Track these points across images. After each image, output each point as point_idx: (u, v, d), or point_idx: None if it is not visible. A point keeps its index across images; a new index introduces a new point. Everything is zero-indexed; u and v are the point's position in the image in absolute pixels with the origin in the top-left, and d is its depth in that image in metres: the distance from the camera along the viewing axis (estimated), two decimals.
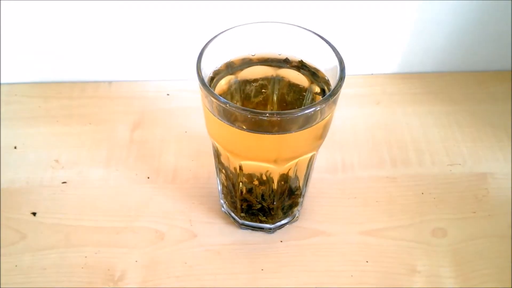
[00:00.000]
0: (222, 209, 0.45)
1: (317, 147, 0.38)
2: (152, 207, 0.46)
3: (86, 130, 0.53)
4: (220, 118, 0.34)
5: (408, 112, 0.55)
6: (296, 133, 0.34)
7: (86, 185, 0.48)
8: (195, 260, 0.42)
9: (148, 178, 0.48)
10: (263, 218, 0.42)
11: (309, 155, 0.38)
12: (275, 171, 0.38)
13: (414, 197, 0.47)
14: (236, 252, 0.43)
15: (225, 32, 0.37)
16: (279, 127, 0.33)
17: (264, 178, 0.38)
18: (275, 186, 0.39)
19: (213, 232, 0.44)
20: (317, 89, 0.39)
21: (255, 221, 0.43)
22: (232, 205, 0.43)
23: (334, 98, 0.34)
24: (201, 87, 0.34)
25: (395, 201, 0.47)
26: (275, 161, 0.36)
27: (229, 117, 0.34)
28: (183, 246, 0.43)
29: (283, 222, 0.44)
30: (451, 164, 0.50)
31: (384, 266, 0.42)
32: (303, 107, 0.32)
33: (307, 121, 0.34)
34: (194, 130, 0.53)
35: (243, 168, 0.38)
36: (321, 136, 0.37)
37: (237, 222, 0.44)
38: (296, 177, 0.40)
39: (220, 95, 0.38)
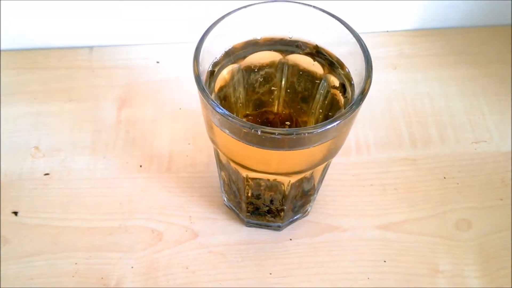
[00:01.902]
0: (224, 202, 0.41)
1: (336, 153, 0.33)
2: (147, 201, 0.41)
3: (66, 108, 0.47)
4: (222, 129, 0.29)
5: (429, 77, 0.49)
6: (313, 148, 0.29)
7: (70, 176, 0.43)
8: (198, 264, 0.38)
9: (141, 166, 0.43)
10: (271, 219, 0.38)
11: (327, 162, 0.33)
12: (286, 179, 0.33)
13: (435, 183, 0.43)
14: (241, 254, 0.39)
15: (225, 18, 0.31)
16: (293, 144, 0.28)
17: (274, 185, 0.34)
18: (286, 191, 0.34)
19: (215, 230, 0.40)
20: (336, 83, 0.33)
21: (262, 221, 0.39)
22: (237, 205, 0.38)
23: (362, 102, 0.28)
24: (200, 93, 0.28)
25: (415, 188, 0.42)
26: (286, 174, 0.31)
27: (233, 129, 0.28)
28: (184, 248, 0.39)
29: (292, 218, 0.39)
30: (476, 141, 0.45)
31: (404, 266, 0.38)
32: (324, 122, 0.27)
33: (327, 135, 0.28)
34: (189, 106, 0.47)
35: (250, 176, 0.33)
36: (342, 144, 0.32)
37: (242, 218, 0.40)
38: (312, 178, 0.35)
39: (222, 87, 0.33)
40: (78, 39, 0.51)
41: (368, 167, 0.44)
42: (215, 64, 0.32)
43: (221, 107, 0.27)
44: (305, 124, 0.36)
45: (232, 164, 0.32)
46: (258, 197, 0.35)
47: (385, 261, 0.39)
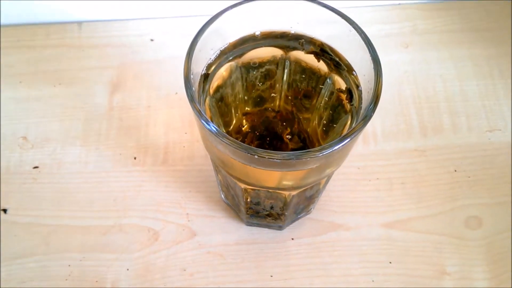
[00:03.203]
0: (223, 199, 0.39)
1: (341, 164, 0.31)
2: (142, 197, 0.39)
3: (55, 93, 0.44)
4: (217, 146, 0.26)
5: (443, 57, 0.46)
6: (316, 167, 0.26)
7: (61, 170, 0.40)
8: (195, 266, 0.37)
9: (135, 159, 0.41)
10: (272, 221, 0.36)
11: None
12: (287, 192, 0.30)
13: (445, 176, 0.40)
14: (241, 255, 0.37)
15: (218, 17, 0.27)
16: (294, 165, 0.25)
17: (274, 195, 0.31)
18: (287, 199, 0.32)
19: (214, 229, 0.38)
20: (342, 85, 0.30)
21: (263, 222, 0.37)
22: (236, 206, 0.37)
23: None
24: (192, 108, 0.25)
25: (424, 182, 0.40)
26: (287, 189, 0.29)
27: (228, 148, 0.26)
28: (181, 248, 0.38)
29: (294, 219, 0.38)
30: (490, 130, 0.42)
31: (410, 267, 0.37)
32: (329, 144, 0.24)
33: (332, 154, 0.26)
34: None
35: (248, 188, 0.31)
36: (347, 155, 0.29)
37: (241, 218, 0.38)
38: (315, 186, 0.33)
39: (218, 87, 0.30)
40: (66, 14, 0.47)
41: (374, 159, 0.41)
42: (209, 66, 0.29)
43: (218, 128, 0.24)
44: (307, 122, 0.34)
45: (229, 175, 0.30)
46: (257, 204, 0.33)
47: (390, 262, 0.37)
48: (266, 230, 0.38)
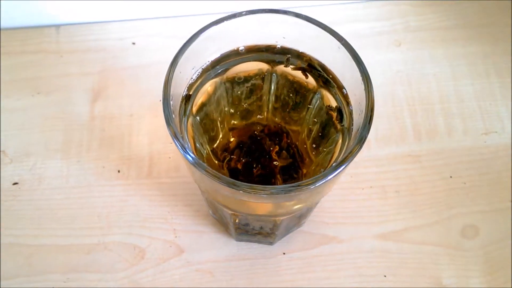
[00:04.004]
0: (210, 213, 0.37)
1: (332, 189, 0.29)
2: (127, 213, 0.38)
3: (34, 102, 0.42)
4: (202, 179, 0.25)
5: (436, 56, 0.44)
6: (309, 195, 0.25)
7: (42, 185, 0.39)
8: (184, 284, 0.36)
9: (119, 172, 0.39)
10: (263, 239, 0.35)
11: None
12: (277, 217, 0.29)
13: (440, 183, 0.39)
14: (231, 272, 0.36)
15: (199, 35, 0.25)
16: (282, 199, 0.24)
17: (263, 219, 0.30)
18: (277, 222, 0.31)
19: (202, 245, 0.37)
20: (331, 102, 0.28)
21: (253, 238, 0.36)
22: (224, 225, 0.35)
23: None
24: (172, 137, 0.24)
25: (419, 190, 0.39)
26: (278, 216, 0.28)
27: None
28: (168, 266, 0.36)
29: (285, 235, 0.36)
30: (486, 132, 0.41)
31: (405, 281, 0.36)
32: (325, 173, 0.23)
33: (323, 185, 0.24)
34: None
35: (236, 213, 0.29)
36: (339, 179, 0.28)
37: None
38: (308, 208, 0.32)
39: (202, 105, 0.29)
40: (42, 17, 0.45)
41: (367, 165, 0.40)
42: (190, 86, 0.28)
43: (201, 163, 0.23)
44: (296, 134, 0.32)
45: (216, 201, 0.29)
46: (246, 225, 0.32)
47: (385, 276, 0.36)
48: (256, 245, 0.37)
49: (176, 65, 0.24)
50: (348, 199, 0.39)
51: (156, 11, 0.45)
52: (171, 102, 0.24)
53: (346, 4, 0.46)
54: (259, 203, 0.25)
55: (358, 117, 0.25)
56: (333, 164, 0.23)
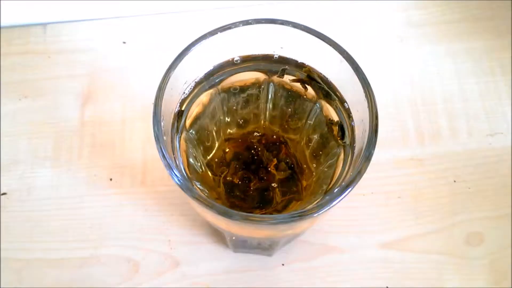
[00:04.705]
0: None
1: None
2: (120, 223, 0.37)
3: (22, 107, 0.40)
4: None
5: (439, 52, 0.43)
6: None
7: (32, 196, 0.37)
8: None
9: (111, 180, 0.38)
10: (261, 252, 0.34)
11: None
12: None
13: (445, 188, 0.38)
14: (229, 285, 0.35)
15: (191, 49, 0.24)
16: (279, 228, 0.23)
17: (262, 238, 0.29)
18: (275, 240, 0.29)
19: (199, 257, 0.36)
20: (332, 115, 0.27)
21: (251, 251, 0.34)
22: (221, 240, 0.34)
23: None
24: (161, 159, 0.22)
25: (422, 196, 0.38)
26: (275, 237, 0.26)
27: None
28: (164, 280, 0.35)
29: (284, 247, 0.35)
30: (491, 133, 0.40)
31: None
32: (330, 198, 0.21)
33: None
34: None
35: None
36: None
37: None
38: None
39: (196, 119, 0.27)
40: (29, 15, 0.43)
41: (368, 170, 0.38)
42: (183, 101, 0.26)
43: (194, 190, 0.21)
44: (295, 143, 0.31)
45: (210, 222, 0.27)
46: (244, 241, 0.31)
47: (387, 287, 0.35)
48: (255, 255, 0.36)
49: (166, 84, 0.23)
50: (350, 206, 0.37)
51: (147, 7, 0.43)
52: (162, 123, 0.22)
53: None
54: (256, 231, 0.23)
55: (361, 135, 0.24)
56: (340, 186, 0.22)
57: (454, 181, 0.38)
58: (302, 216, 0.21)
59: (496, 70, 0.42)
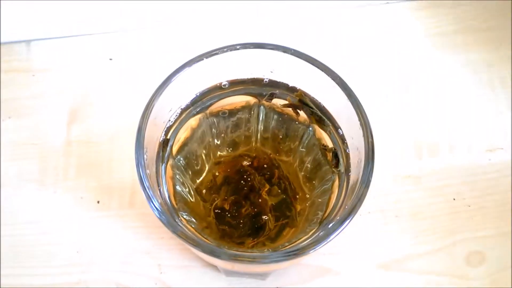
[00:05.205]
0: None
1: None
2: (108, 247, 0.35)
3: (6, 127, 0.39)
4: None
5: (437, 64, 0.41)
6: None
7: (16, 219, 0.36)
8: None
9: (98, 202, 0.37)
10: (254, 276, 0.33)
11: None
12: None
13: (443, 206, 0.37)
14: None
15: (176, 75, 0.23)
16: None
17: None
18: (268, 271, 0.28)
19: (189, 282, 0.35)
20: (327, 141, 0.25)
21: (243, 275, 0.33)
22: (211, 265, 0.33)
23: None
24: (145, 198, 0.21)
25: (420, 214, 0.36)
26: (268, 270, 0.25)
27: None
28: None
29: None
30: (490, 149, 0.38)
31: None
32: (327, 233, 0.20)
33: None
34: None
35: None
36: None
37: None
38: None
39: (184, 144, 0.26)
40: (12, 32, 0.42)
41: None
42: (168, 129, 0.25)
43: (177, 225, 0.20)
44: (287, 165, 0.29)
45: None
46: (235, 272, 0.29)
47: None
48: (248, 279, 0.34)
49: (150, 113, 0.21)
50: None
51: (133, 22, 0.42)
52: (145, 156, 0.21)
53: (335, 9, 0.43)
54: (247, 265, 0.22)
55: (356, 164, 0.23)
56: (334, 222, 0.21)
57: (454, 199, 0.37)
58: (296, 255, 0.20)
59: (495, 83, 0.41)
